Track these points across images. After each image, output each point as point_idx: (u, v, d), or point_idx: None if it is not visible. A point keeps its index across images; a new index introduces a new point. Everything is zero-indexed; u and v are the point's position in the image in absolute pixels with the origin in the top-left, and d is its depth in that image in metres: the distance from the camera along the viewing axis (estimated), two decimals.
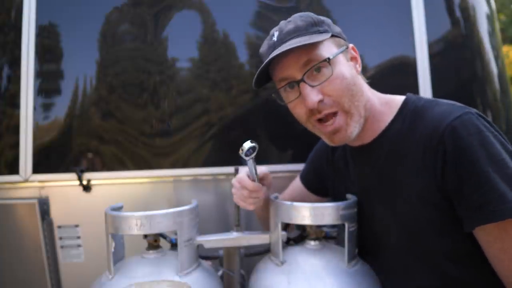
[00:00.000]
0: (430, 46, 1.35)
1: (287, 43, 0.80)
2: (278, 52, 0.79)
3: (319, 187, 1.14)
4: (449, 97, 0.86)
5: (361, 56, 0.91)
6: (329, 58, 0.80)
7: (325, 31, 0.83)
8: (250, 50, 1.38)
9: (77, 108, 1.38)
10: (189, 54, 1.38)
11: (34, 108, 1.37)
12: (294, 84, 0.83)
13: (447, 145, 0.72)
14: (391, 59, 1.36)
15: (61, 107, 1.38)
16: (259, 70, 0.84)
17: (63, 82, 1.39)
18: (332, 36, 0.84)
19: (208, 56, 1.38)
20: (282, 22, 0.87)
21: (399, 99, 0.89)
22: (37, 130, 1.36)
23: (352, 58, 0.88)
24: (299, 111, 0.86)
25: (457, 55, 1.37)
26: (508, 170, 0.69)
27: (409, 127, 0.82)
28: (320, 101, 0.80)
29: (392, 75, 1.37)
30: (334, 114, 0.82)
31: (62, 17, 1.41)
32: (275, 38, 0.84)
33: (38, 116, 1.37)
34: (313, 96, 0.80)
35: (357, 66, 0.88)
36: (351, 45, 0.89)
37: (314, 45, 0.80)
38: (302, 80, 0.81)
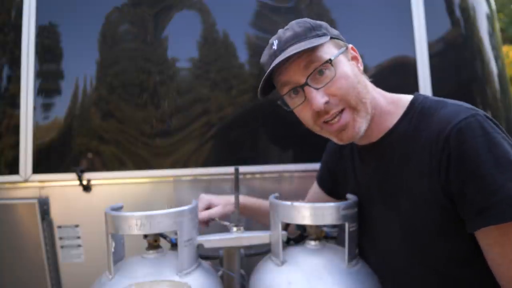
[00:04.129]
0: (430, 46, 1.34)
1: (288, 50, 0.81)
2: (280, 59, 0.79)
3: (334, 188, 1.11)
4: (449, 97, 0.86)
5: (361, 56, 0.91)
6: (330, 60, 0.80)
7: (324, 35, 0.84)
8: (250, 50, 1.38)
9: (77, 108, 1.38)
10: (189, 54, 1.38)
11: (34, 108, 1.37)
12: (299, 88, 0.83)
13: (452, 148, 0.72)
14: (391, 59, 1.36)
15: (61, 107, 1.38)
16: (263, 79, 0.85)
17: (63, 82, 1.38)
18: (331, 38, 0.85)
19: (208, 56, 1.38)
20: (280, 31, 0.87)
21: (407, 98, 0.88)
22: (37, 130, 1.36)
23: (353, 58, 0.88)
24: (305, 115, 0.86)
25: (457, 55, 1.37)
26: None
27: (415, 129, 0.82)
28: (326, 103, 0.81)
29: (392, 75, 1.37)
30: (341, 111, 0.82)
31: (62, 17, 1.40)
32: (275, 47, 0.85)
33: (38, 116, 1.37)
34: (319, 98, 0.80)
35: (359, 65, 0.88)
36: (350, 46, 0.89)
37: (315, 49, 0.80)
38: (306, 83, 0.81)
